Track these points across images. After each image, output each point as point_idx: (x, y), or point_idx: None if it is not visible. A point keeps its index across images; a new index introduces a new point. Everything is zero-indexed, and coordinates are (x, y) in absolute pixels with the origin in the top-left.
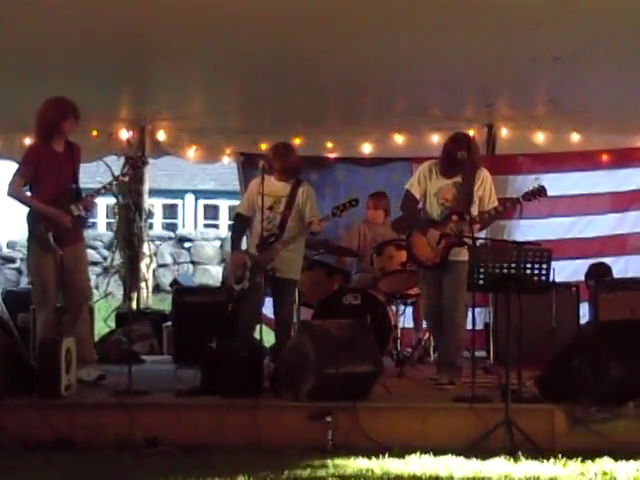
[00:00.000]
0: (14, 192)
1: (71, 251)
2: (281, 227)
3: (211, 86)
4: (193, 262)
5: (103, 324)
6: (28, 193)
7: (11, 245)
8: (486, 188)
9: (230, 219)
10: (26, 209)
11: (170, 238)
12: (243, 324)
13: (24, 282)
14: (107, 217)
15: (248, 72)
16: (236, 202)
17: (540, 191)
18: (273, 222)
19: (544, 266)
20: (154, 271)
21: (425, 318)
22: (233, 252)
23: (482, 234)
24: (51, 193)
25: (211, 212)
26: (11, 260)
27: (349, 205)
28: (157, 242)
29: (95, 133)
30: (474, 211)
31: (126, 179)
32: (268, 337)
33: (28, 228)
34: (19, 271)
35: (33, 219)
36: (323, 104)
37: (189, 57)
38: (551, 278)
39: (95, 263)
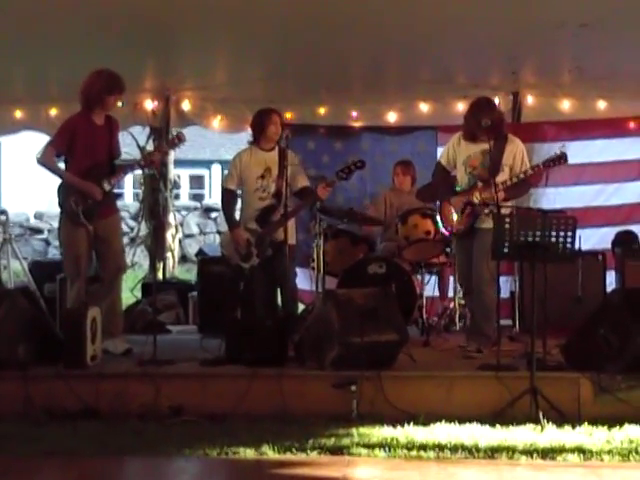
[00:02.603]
0: (45, 160)
1: (105, 224)
2: (277, 196)
3: (235, 55)
4: (219, 232)
5: (129, 294)
6: (62, 165)
7: (38, 216)
8: (517, 157)
9: None
10: (54, 180)
11: (196, 208)
12: (259, 300)
13: (51, 253)
14: (134, 187)
15: (272, 41)
16: None
17: (561, 158)
18: (267, 190)
19: (569, 234)
20: (180, 241)
21: (460, 286)
22: (232, 229)
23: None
24: (85, 166)
25: None
26: (38, 231)
27: (354, 167)
28: (183, 212)
29: (120, 104)
30: (501, 180)
31: (158, 157)
32: None
33: (58, 202)
34: (46, 242)
35: (63, 193)
36: (348, 73)
37: (213, 26)
38: (577, 246)
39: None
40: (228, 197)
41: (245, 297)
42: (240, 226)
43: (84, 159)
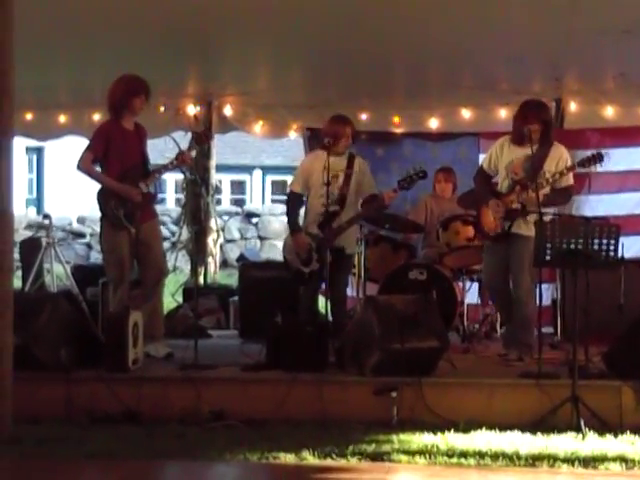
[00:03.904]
0: (84, 167)
1: (147, 227)
2: (340, 202)
3: (277, 61)
4: (260, 237)
5: (171, 299)
6: (98, 169)
7: (81, 220)
8: (559, 165)
9: None
10: (95, 185)
11: (237, 214)
12: (305, 305)
13: (93, 257)
14: (175, 192)
15: (314, 47)
16: None
17: (595, 157)
18: (332, 197)
19: (612, 241)
20: (221, 246)
21: (486, 290)
22: (293, 234)
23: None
24: (120, 170)
25: (278, 188)
26: (81, 235)
27: (416, 177)
28: (225, 217)
29: (162, 109)
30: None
31: (192, 154)
32: None
33: (99, 207)
34: (89, 246)
35: (103, 198)
36: (389, 79)
37: (255, 32)
38: (620, 254)
39: (164, 238)
40: (293, 200)
41: (305, 301)
42: (302, 231)
43: (118, 163)
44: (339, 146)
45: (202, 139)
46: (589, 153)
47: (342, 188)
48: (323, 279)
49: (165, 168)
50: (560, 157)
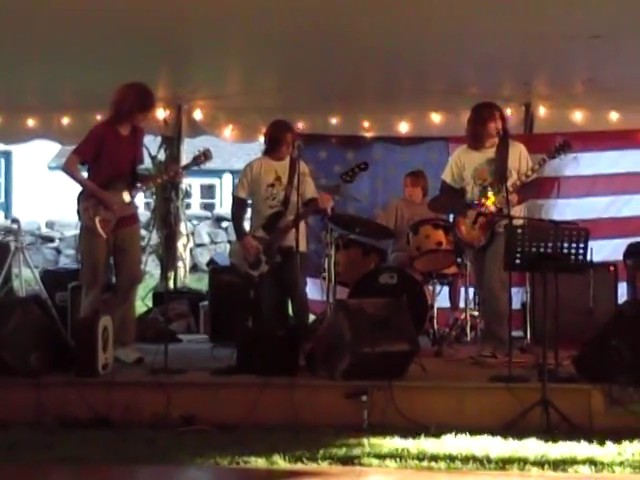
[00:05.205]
0: (69, 169)
1: (126, 233)
2: (285, 203)
3: (248, 65)
4: (230, 242)
5: (140, 303)
6: (84, 173)
7: (50, 225)
8: (522, 159)
9: None
10: (66, 189)
11: (207, 218)
12: (268, 308)
13: (62, 261)
14: (145, 197)
15: (285, 51)
16: None
17: (564, 146)
18: (277, 199)
19: (581, 245)
20: (191, 250)
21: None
22: (240, 238)
23: (522, 207)
24: (107, 176)
25: None
26: (50, 239)
27: (357, 170)
28: (194, 222)
29: None
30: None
31: (179, 170)
32: None
33: (77, 211)
34: (58, 250)
35: (82, 203)
36: (360, 83)
37: (226, 36)
38: (589, 257)
39: None
40: (238, 205)
41: (255, 305)
42: (249, 235)
43: (108, 169)
44: (280, 152)
45: (201, 159)
46: (564, 162)
47: (286, 189)
48: (276, 281)
49: (154, 181)
50: (521, 153)
